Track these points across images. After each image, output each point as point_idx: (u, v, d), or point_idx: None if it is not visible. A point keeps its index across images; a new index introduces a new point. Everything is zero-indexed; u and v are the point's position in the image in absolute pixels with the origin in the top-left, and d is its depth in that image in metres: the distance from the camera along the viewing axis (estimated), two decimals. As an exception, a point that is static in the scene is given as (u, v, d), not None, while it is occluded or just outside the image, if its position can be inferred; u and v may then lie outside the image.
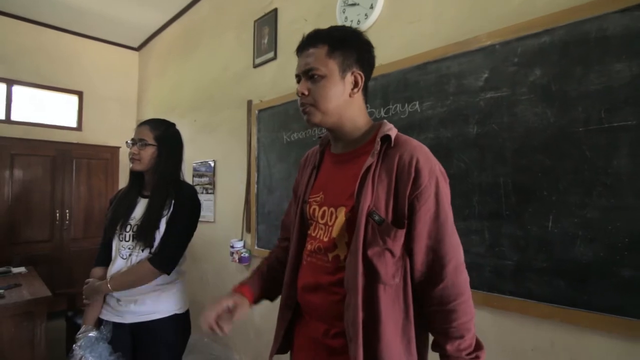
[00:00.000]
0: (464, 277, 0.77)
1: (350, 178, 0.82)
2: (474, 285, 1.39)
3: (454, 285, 0.75)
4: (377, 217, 0.75)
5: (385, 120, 0.89)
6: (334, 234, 0.82)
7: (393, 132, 0.82)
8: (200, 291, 3.10)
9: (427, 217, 0.75)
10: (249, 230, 2.64)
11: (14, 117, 3.83)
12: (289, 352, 0.97)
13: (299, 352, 0.92)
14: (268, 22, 2.57)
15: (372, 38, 1.92)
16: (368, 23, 1.88)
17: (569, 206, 1.19)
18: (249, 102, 2.69)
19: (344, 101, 0.84)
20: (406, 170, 0.76)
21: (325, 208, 0.86)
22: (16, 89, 3.87)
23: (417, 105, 1.62)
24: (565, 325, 1.21)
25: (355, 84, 0.85)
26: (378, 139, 0.80)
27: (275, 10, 2.51)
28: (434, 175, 0.76)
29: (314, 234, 0.89)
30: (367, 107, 0.92)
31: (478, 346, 0.76)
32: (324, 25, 2.27)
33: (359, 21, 1.91)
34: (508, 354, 1.34)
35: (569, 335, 1.21)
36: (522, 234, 1.29)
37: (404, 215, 0.75)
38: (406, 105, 1.66)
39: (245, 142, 2.71)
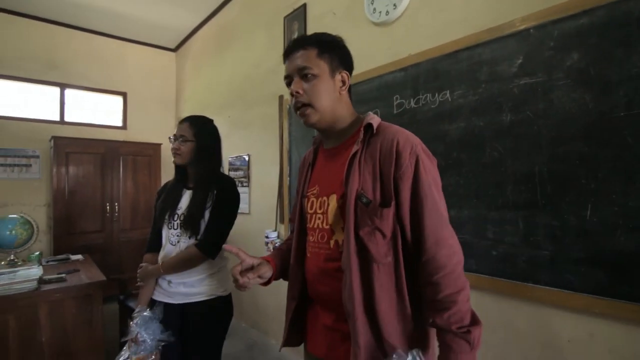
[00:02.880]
0: (446, 252, 0.77)
1: (339, 167, 0.87)
2: (507, 275, 1.39)
3: (434, 258, 0.76)
4: (364, 199, 0.80)
5: (370, 112, 0.93)
6: (330, 220, 0.88)
7: (375, 121, 0.87)
8: (237, 280, 3.24)
9: (409, 196, 0.79)
10: (282, 221, 2.73)
11: (67, 118, 4.17)
12: (302, 344, 1.00)
13: (313, 340, 0.95)
14: (297, 18, 2.61)
15: (402, 28, 1.93)
16: (397, 13, 1.87)
17: (609, 195, 1.15)
18: (280, 97, 2.76)
19: (335, 98, 0.90)
20: (388, 152, 0.80)
21: (321, 199, 0.92)
22: (68, 92, 4.20)
23: (448, 95, 1.60)
24: (605, 317, 1.17)
25: (343, 83, 0.92)
26: (362, 128, 0.86)
27: (304, 5, 2.55)
28: (414, 154, 0.80)
29: (312, 226, 0.94)
30: (352, 104, 0.97)
31: (472, 322, 0.76)
32: (353, 17, 2.29)
33: (387, 12, 1.90)
34: (543, 345, 1.32)
35: (609, 327, 1.17)
36: (558, 224, 1.26)
37: (390, 196, 0.79)
38: (437, 94, 1.65)
39: (277, 136, 2.79)
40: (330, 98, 0.88)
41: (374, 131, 0.85)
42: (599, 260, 1.17)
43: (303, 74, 0.87)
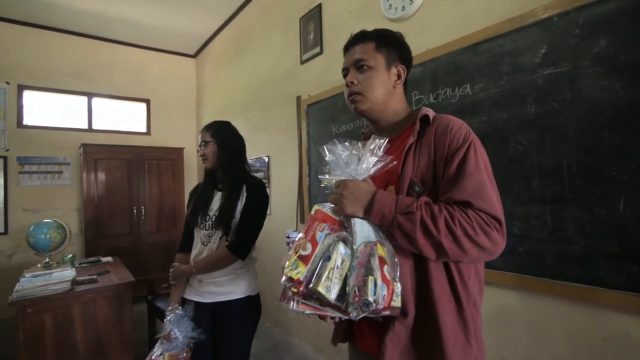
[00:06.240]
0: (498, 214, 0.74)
1: (395, 159, 0.86)
2: (535, 272, 1.35)
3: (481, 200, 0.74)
4: (417, 188, 0.80)
5: (423, 106, 0.92)
6: None
7: (431, 113, 0.87)
8: (260, 278, 3.28)
9: (452, 173, 0.77)
10: (302, 220, 2.74)
11: (94, 126, 4.34)
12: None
13: (362, 337, 0.91)
14: (313, 18, 2.62)
15: (418, 23, 1.90)
16: (413, 8, 1.84)
17: (643, 186, 1.10)
18: (298, 98, 2.77)
19: (389, 91, 0.91)
20: (442, 134, 0.81)
21: None
22: (95, 100, 4.37)
23: (469, 88, 1.57)
24: (643, 315, 1.12)
25: (399, 77, 0.92)
26: (418, 120, 0.86)
27: (319, 5, 2.56)
28: (468, 139, 0.79)
29: None
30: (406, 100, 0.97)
31: (438, 244, 0.71)
32: (369, 15, 2.27)
33: (403, 7, 1.88)
34: (575, 344, 1.27)
35: (647, 326, 1.12)
36: (588, 218, 1.21)
37: (440, 180, 0.79)
38: (456, 89, 1.62)
39: (296, 137, 2.81)
40: (383, 90, 0.90)
41: (430, 122, 0.85)
42: (634, 254, 1.12)
43: (359, 66, 0.90)
